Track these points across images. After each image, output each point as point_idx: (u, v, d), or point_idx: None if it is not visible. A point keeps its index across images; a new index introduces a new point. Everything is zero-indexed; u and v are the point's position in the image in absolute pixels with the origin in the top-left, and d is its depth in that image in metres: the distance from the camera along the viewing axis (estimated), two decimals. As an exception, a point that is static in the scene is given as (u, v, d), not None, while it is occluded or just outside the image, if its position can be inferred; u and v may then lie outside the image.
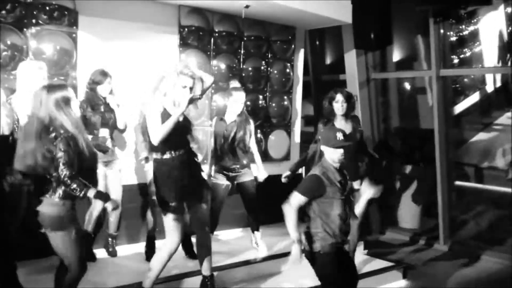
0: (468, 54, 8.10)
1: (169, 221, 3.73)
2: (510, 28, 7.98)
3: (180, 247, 4.95)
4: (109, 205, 3.22)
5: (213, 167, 5.08)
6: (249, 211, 5.20)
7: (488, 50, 7.93)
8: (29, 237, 3.53)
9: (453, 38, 7.77)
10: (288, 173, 4.97)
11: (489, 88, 8.34)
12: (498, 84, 8.26)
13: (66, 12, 4.67)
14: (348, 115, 4.73)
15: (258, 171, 5.22)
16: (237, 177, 5.06)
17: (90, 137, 4.17)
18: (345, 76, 7.17)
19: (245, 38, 6.08)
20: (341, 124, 4.61)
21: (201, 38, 5.66)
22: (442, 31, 6.67)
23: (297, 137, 6.78)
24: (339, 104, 4.65)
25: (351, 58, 7.05)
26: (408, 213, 7.27)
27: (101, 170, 4.32)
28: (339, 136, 3.40)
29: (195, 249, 4.83)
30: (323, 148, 3.46)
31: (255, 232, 5.21)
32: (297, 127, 6.78)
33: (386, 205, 7.30)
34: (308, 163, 4.79)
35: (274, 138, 6.47)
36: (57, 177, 3.07)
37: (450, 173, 6.75)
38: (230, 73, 5.87)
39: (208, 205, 3.96)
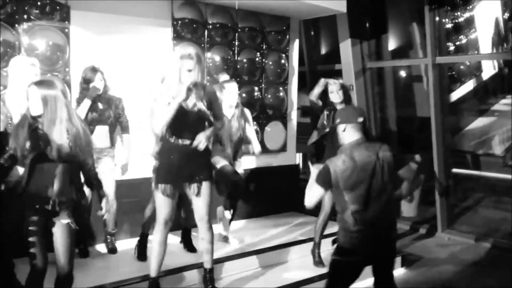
0: (463, 41, 8.08)
1: (159, 197, 3.81)
2: (505, 14, 7.96)
3: (179, 240, 5.03)
4: None
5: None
6: (231, 198, 5.10)
7: (484, 36, 7.91)
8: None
9: (449, 25, 7.74)
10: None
11: (485, 74, 8.32)
12: (495, 70, 8.25)
13: (57, 7, 4.61)
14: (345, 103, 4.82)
15: (254, 147, 5.14)
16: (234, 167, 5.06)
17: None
18: (341, 65, 7.15)
19: (239, 30, 6.04)
20: None
21: (194, 30, 5.62)
22: (437, 18, 6.64)
23: (293, 128, 6.77)
24: (334, 93, 4.78)
25: (346, 48, 7.02)
26: (406, 201, 7.28)
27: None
28: (359, 112, 3.32)
29: (194, 243, 4.89)
30: (342, 127, 3.26)
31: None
32: (294, 118, 6.76)
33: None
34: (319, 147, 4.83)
35: (270, 129, 6.46)
36: None
37: (447, 160, 6.76)
38: (225, 65, 5.84)
39: (210, 198, 3.93)
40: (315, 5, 5.81)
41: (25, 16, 4.46)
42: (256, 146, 5.13)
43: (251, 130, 5.13)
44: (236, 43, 6.04)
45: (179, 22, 5.50)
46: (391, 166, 3.20)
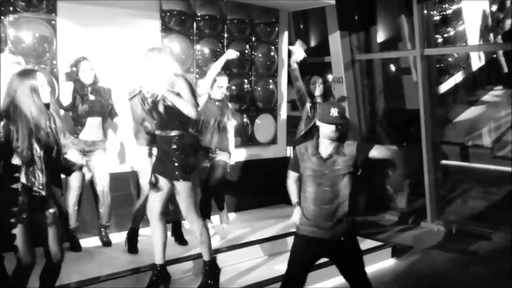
0: (451, 33, 8.11)
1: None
2: (493, 6, 8.00)
3: (170, 233, 5.01)
4: None
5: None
6: (213, 191, 5.14)
7: (472, 28, 7.95)
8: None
9: (437, 18, 7.77)
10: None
11: (474, 66, 8.37)
12: (483, 62, 8.30)
13: (44, -1, 4.57)
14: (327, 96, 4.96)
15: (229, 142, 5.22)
16: (214, 158, 5.07)
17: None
18: (330, 58, 7.14)
19: (228, 22, 6.01)
20: None
21: (183, 22, 5.59)
22: (425, 11, 6.65)
23: (283, 121, 6.77)
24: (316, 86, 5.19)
25: (335, 40, 7.01)
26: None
27: (77, 157, 4.03)
28: (333, 112, 3.25)
29: (185, 235, 4.89)
30: (318, 123, 3.35)
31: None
32: (283, 110, 6.76)
33: (374, 186, 7.34)
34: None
35: (260, 122, 6.45)
36: None
37: (436, 152, 6.80)
38: (214, 57, 5.82)
39: (196, 193, 3.99)
40: (304, -4, 5.81)
41: (11, 8, 4.41)
42: (231, 140, 5.21)
43: (231, 126, 5.21)
44: (225, 35, 6.01)
45: (168, 14, 5.46)
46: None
